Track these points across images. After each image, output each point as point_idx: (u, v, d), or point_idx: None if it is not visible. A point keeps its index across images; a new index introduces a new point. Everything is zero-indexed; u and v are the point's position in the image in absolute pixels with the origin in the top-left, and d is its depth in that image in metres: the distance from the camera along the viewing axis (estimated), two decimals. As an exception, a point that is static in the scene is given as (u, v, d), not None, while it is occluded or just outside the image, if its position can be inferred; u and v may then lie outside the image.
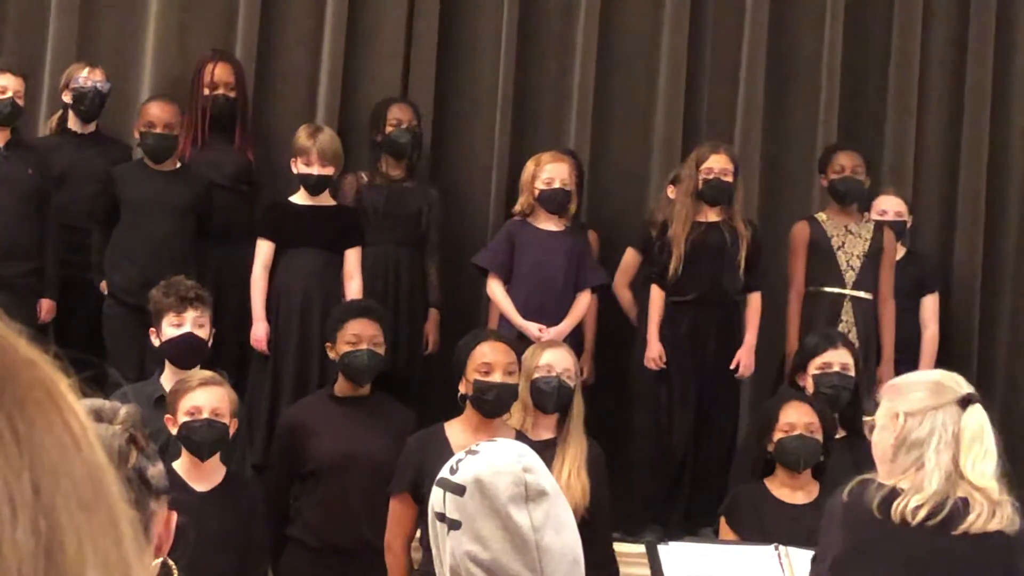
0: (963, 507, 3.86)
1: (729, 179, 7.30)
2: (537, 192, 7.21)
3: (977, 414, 3.91)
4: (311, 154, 7.21)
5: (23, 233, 7.12)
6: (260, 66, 7.94)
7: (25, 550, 0.73)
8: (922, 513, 3.84)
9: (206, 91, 7.57)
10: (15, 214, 7.10)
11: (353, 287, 7.21)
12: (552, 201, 7.20)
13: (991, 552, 3.89)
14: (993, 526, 3.87)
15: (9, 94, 7.12)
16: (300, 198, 7.32)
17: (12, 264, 7.06)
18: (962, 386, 3.97)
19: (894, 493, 3.88)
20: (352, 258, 7.27)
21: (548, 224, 7.27)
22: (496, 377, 5.76)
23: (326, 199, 7.34)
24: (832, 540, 3.97)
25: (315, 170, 7.22)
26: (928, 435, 3.89)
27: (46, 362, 0.79)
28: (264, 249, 7.23)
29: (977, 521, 3.85)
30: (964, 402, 3.92)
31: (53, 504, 0.75)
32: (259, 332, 7.14)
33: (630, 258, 7.68)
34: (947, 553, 3.88)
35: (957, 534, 3.86)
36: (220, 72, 7.61)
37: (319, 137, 7.27)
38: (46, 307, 7.16)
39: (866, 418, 4.21)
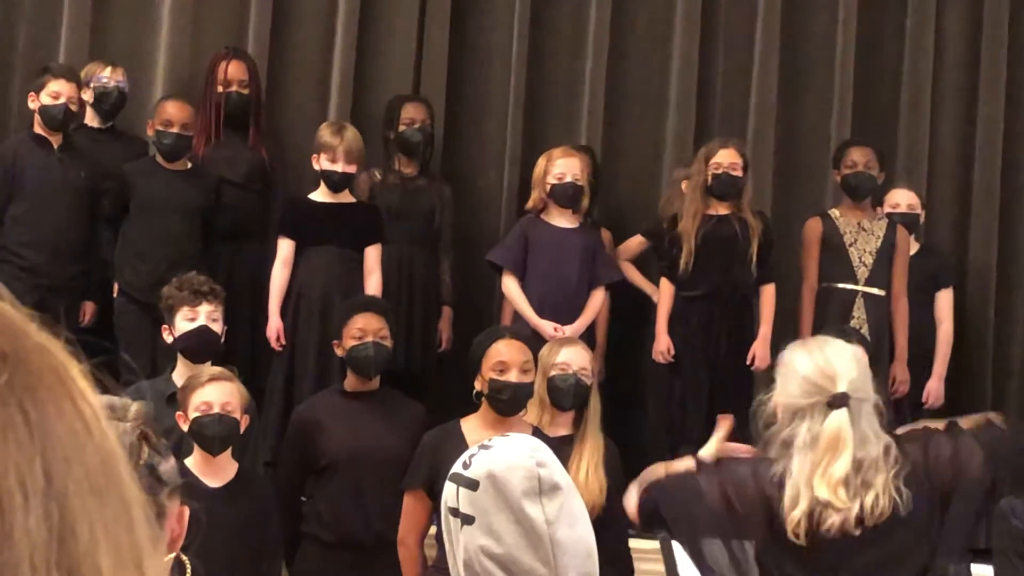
0: (828, 522, 3.84)
1: (738, 174, 7.30)
2: (549, 187, 7.21)
3: (837, 420, 3.83)
4: (337, 151, 7.20)
5: (76, 235, 7.21)
6: (272, 64, 7.94)
7: (37, 537, 0.73)
8: (803, 528, 3.84)
9: (219, 88, 7.58)
10: (69, 216, 7.18)
11: (372, 284, 7.21)
12: (564, 195, 7.20)
13: (885, 546, 3.88)
14: (876, 520, 3.84)
15: (62, 100, 7.14)
16: (320, 195, 7.31)
17: (66, 266, 7.15)
18: (836, 382, 3.87)
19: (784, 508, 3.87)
20: (372, 255, 7.27)
21: (562, 221, 7.27)
22: (512, 376, 5.75)
23: (346, 196, 7.34)
24: (748, 518, 3.94)
25: (340, 167, 7.22)
26: (794, 438, 3.86)
27: (58, 348, 0.79)
28: (284, 247, 7.23)
29: (844, 527, 3.84)
30: (831, 404, 3.85)
31: (65, 490, 0.75)
32: (272, 329, 7.15)
33: (634, 241, 7.69)
34: (844, 554, 3.88)
35: (846, 538, 3.85)
36: (233, 69, 7.61)
37: (345, 135, 7.26)
38: (89, 310, 7.22)
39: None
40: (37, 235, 7.12)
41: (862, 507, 3.83)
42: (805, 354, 3.99)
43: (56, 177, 7.16)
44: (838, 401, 3.85)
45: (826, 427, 3.83)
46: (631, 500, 4.26)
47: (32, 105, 7.20)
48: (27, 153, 7.20)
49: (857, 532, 3.84)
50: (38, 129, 7.21)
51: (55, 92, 7.14)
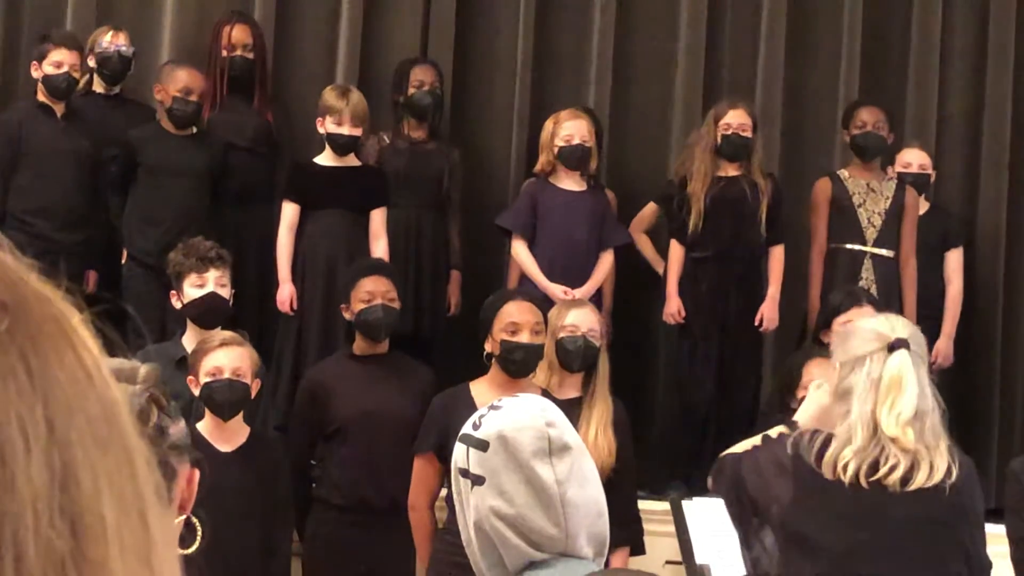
0: (891, 463, 3.87)
1: (747, 134, 7.29)
2: (557, 150, 7.20)
3: (898, 359, 3.88)
4: (343, 114, 7.18)
5: (80, 202, 7.23)
6: (279, 28, 7.92)
7: (40, 486, 0.72)
8: (851, 468, 3.87)
9: (224, 52, 7.57)
10: (73, 183, 7.21)
11: (379, 247, 7.20)
12: (573, 157, 7.19)
13: (931, 508, 3.91)
14: (928, 482, 3.87)
15: (65, 68, 7.17)
16: (325, 159, 7.30)
17: (70, 232, 7.17)
18: (896, 331, 3.95)
19: (827, 444, 3.91)
20: (377, 218, 7.26)
21: (570, 184, 7.26)
22: (523, 337, 5.75)
23: (351, 159, 7.33)
24: (780, 490, 3.98)
25: (346, 130, 7.20)
26: (855, 384, 3.90)
27: (58, 297, 0.78)
28: (289, 211, 7.22)
29: (905, 476, 3.87)
30: (891, 348, 3.90)
31: (67, 439, 0.74)
32: (284, 294, 7.15)
33: (649, 210, 7.68)
34: (885, 512, 3.91)
35: (894, 492, 3.88)
36: (238, 33, 7.60)
37: (351, 97, 7.25)
38: (92, 278, 7.24)
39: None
40: (43, 203, 7.15)
41: (919, 466, 3.87)
42: (866, 318, 4.24)
43: (60, 145, 7.18)
44: (899, 344, 3.90)
45: (888, 366, 3.88)
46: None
47: (35, 74, 7.23)
48: (31, 121, 7.23)
49: (909, 489, 3.87)
50: (41, 97, 7.23)
51: (57, 61, 7.15)
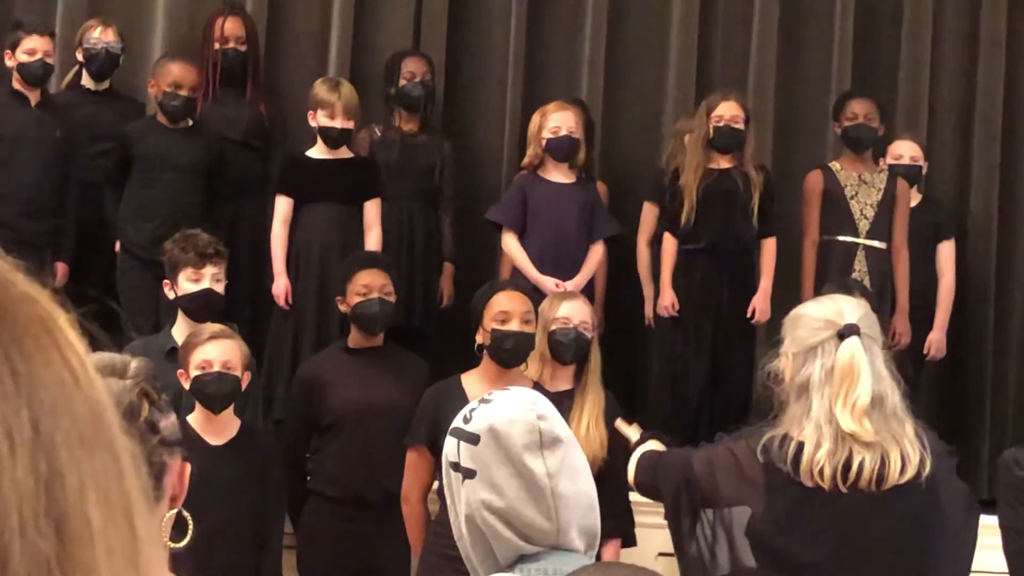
0: (858, 461, 3.77)
1: (740, 126, 7.29)
2: (544, 142, 7.18)
3: (849, 347, 3.78)
4: (335, 107, 7.17)
5: (48, 192, 7.18)
6: (271, 20, 7.91)
7: (25, 488, 0.72)
8: (827, 472, 3.77)
9: (216, 45, 7.56)
10: (42, 173, 7.16)
11: (372, 239, 7.21)
12: (560, 149, 7.18)
13: (910, 509, 3.82)
14: (901, 477, 3.79)
15: (39, 56, 7.15)
16: (318, 152, 7.29)
17: (36, 222, 7.13)
18: (845, 315, 3.83)
19: (800, 450, 3.80)
20: (371, 210, 7.26)
21: (558, 176, 7.25)
22: (514, 326, 5.75)
23: (344, 152, 7.32)
24: (739, 496, 3.88)
25: (338, 123, 7.19)
26: (811, 377, 3.80)
27: (45, 297, 0.78)
28: (283, 205, 7.22)
29: (878, 474, 3.77)
30: (841, 335, 3.80)
31: (53, 441, 0.74)
32: (280, 288, 7.15)
33: (648, 212, 7.65)
34: (864, 519, 3.81)
35: (872, 495, 3.79)
36: (230, 26, 7.59)
37: (342, 90, 7.24)
38: (61, 270, 7.21)
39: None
40: (9, 188, 7.11)
41: (888, 460, 3.79)
42: (812, 303, 4.03)
43: (31, 132, 7.15)
44: (848, 331, 3.80)
45: (839, 356, 3.77)
46: (630, 469, 4.27)
47: (9, 63, 7.20)
48: (4, 107, 7.21)
49: (882, 489, 3.79)
50: (16, 85, 7.20)
51: (31, 49, 7.15)
